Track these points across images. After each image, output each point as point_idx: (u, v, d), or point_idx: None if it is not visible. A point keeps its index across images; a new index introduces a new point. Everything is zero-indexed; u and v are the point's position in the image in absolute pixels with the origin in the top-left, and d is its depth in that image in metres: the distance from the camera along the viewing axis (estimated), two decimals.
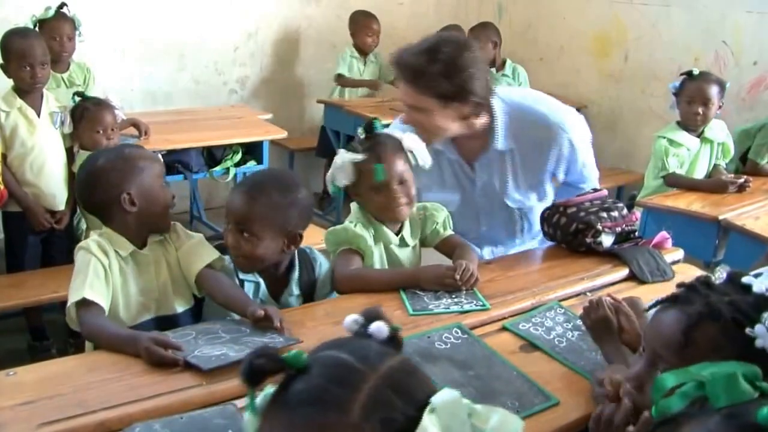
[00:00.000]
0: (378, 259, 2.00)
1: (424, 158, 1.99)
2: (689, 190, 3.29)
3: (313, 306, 1.86)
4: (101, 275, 1.68)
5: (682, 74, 3.40)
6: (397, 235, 2.04)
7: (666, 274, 2.04)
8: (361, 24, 4.95)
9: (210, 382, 1.41)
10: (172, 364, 1.45)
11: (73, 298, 1.63)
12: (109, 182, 1.75)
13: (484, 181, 2.23)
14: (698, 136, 3.39)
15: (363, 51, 5.00)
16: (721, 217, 2.96)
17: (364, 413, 0.79)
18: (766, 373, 0.98)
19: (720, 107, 3.36)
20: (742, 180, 3.25)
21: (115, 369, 1.46)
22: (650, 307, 1.26)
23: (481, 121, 2.09)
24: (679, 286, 1.23)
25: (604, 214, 2.11)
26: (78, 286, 1.65)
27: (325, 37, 5.20)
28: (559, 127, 2.14)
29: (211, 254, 1.82)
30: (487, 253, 2.35)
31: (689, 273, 2.07)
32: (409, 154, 1.97)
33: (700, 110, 3.29)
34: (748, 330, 1.08)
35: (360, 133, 2.01)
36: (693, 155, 3.39)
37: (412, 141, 1.99)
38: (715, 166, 3.44)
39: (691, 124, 3.35)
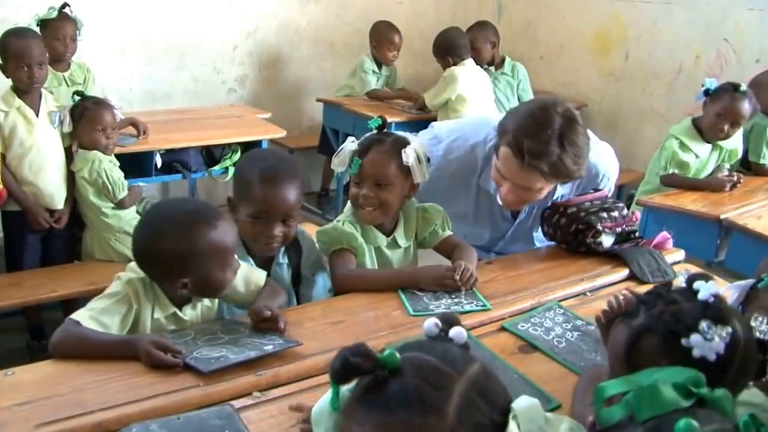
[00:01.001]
0: (368, 259, 1.99)
1: (425, 172, 1.95)
2: (687, 189, 3.27)
3: (311, 306, 1.85)
4: (120, 314, 1.57)
5: (727, 83, 3.28)
6: (388, 235, 2.03)
7: (667, 274, 2.03)
8: (385, 38, 4.78)
9: (207, 383, 1.41)
10: (172, 367, 1.44)
11: (78, 315, 1.54)
12: (167, 267, 1.58)
13: (522, 222, 2.25)
14: (709, 142, 3.34)
15: (380, 63, 4.88)
16: (722, 217, 2.95)
17: (458, 417, 0.81)
18: (711, 380, 0.99)
19: None
20: (735, 178, 3.25)
21: (112, 369, 1.45)
22: (607, 323, 1.32)
23: None
24: (637, 298, 1.24)
25: (605, 215, 2.10)
26: (88, 308, 1.57)
27: (324, 36, 5.19)
28: (605, 177, 2.22)
29: (260, 279, 1.78)
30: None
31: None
32: (413, 163, 1.92)
33: (726, 128, 3.22)
34: (683, 341, 1.08)
35: (372, 122, 2.01)
36: (702, 162, 3.35)
37: (419, 149, 1.94)
38: (718, 166, 3.43)
39: (712, 135, 3.28)
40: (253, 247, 1.85)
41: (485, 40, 4.80)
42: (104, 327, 1.55)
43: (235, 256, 1.68)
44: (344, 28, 5.07)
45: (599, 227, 2.08)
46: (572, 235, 2.12)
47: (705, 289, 1.15)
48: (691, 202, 3.13)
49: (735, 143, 3.38)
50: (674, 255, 2.17)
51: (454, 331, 0.91)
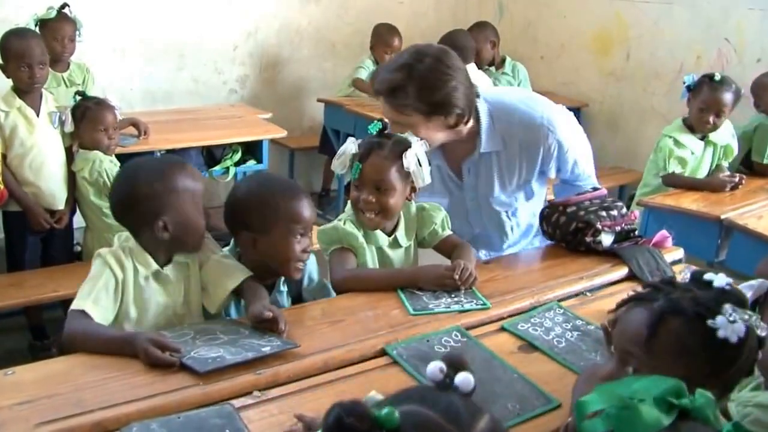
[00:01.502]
0: (369, 259, 1.99)
1: (425, 176, 1.95)
2: (688, 189, 3.28)
3: (311, 306, 1.85)
4: (111, 289, 1.64)
5: (703, 75, 3.32)
6: (390, 235, 2.03)
7: (666, 273, 2.02)
8: (383, 40, 4.85)
9: (207, 382, 1.41)
10: (169, 366, 1.45)
11: (74, 305, 1.61)
12: (145, 207, 1.68)
13: (471, 185, 2.22)
14: (702, 139, 3.37)
15: (380, 63, 4.94)
16: (723, 217, 2.94)
17: None
18: (730, 362, 1.04)
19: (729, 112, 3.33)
20: (736, 179, 3.25)
21: (112, 369, 1.45)
22: (617, 308, 1.29)
23: (469, 126, 2.08)
24: (644, 286, 1.26)
25: (604, 213, 2.10)
26: (83, 295, 1.62)
27: (324, 36, 5.20)
28: (545, 127, 2.12)
29: (241, 274, 1.76)
30: (482, 255, 2.34)
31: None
32: (414, 168, 1.92)
33: (712, 120, 3.26)
34: (709, 322, 1.11)
35: (372, 127, 2.01)
36: (697, 159, 3.37)
37: (420, 151, 1.95)
38: (717, 165, 3.43)
39: (699, 129, 3.32)
40: (282, 271, 1.82)
41: (485, 40, 4.81)
42: (102, 309, 1.61)
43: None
44: (345, 29, 5.08)
45: (599, 226, 2.07)
46: (571, 234, 2.12)
47: (719, 279, 1.19)
48: (691, 202, 3.13)
49: (727, 139, 3.39)
50: (674, 253, 2.17)
51: (460, 378, 0.83)
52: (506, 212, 2.27)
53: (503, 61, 4.90)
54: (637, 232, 2.19)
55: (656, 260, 2.06)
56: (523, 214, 2.29)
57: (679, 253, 2.19)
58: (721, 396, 1.18)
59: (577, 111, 5.03)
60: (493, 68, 4.84)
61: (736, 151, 3.44)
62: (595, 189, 2.23)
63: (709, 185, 3.28)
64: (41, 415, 1.30)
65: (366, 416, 0.74)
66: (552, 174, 2.24)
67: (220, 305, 1.76)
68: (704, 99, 3.25)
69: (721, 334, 1.10)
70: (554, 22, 5.43)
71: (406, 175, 1.94)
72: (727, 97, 3.24)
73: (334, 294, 1.97)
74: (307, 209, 1.79)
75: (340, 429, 0.74)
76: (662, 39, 4.77)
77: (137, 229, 1.72)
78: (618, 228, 2.12)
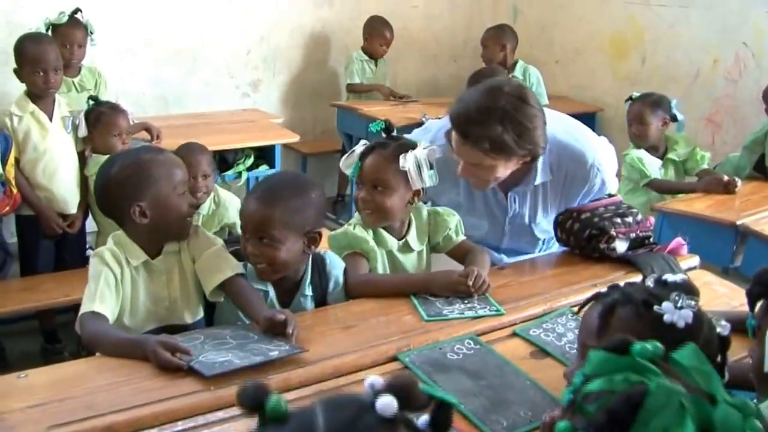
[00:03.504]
0: (380, 264, 1.98)
1: (425, 179, 1.94)
2: (681, 192, 3.36)
3: (324, 311, 1.84)
4: (112, 285, 1.67)
5: (626, 100, 3.61)
6: (400, 239, 2.02)
7: None
8: (376, 31, 4.94)
9: (218, 386, 1.41)
10: (178, 369, 1.45)
11: (83, 309, 1.64)
12: (121, 192, 1.71)
13: (516, 211, 2.22)
14: (661, 158, 3.53)
15: (373, 56, 5.00)
16: (738, 222, 2.92)
17: None
18: (676, 347, 1.05)
19: (666, 123, 3.51)
20: (724, 179, 3.26)
21: (124, 372, 1.46)
22: (580, 308, 1.35)
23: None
24: (609, 286, 1.32)
25: (618, 220, 2.09)
26: (89, 296, 1.65)
27: (338, 39, 5.20)
28: (594, 167, 2.14)
29: (232, 267, 1.75)
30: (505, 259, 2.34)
31: (704, 279, 2.05)
32: (411, 169, 1.91)
33: (634, 129, 3.50)
34: (655, 307, 1.17)
35: (374, 126, 2.00)
36: (657, 175, 3.50)
37: (422, 155, 1.93)
38: (705, 170, 3.50)
39: (637, 143, 3.52)
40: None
41: (495, 43, 4.80)
42: (109, 306, 1.65)
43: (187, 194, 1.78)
44: (358, 32, 5.07)
45: (613, 233, 2.06)
46: (585, 241, 2.10)
47: (673, 277, 1.27)
48: (706, 208, 3.10)
49: (686, 152, 3.53)
50: (689, 261, 2.15)
51: (382, 402, 0.70)
52: (543, 239, 2.30)
53: (515, 64, 4.88)
54: (651, 239, 2.17)
55: (671, 267, 2.04)
56: (554, 241, 2.31)
57: (694, 260, 2.17)
58: None
59: (591, 115, 5.01)
60: (505, 72, 4.83)
61: (707, 155, 3.54)
62: (610, 196, 2.22)
63: (706, 186, 3.32)
64: (53, 418, 1.31)
65: (259, 398, 0.73)
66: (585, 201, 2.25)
67: (222, 286, 1.76)
68: (627, 114, 3.55)
69: (667, 318, 1.15)
70: (569, 25, 5.40)
71: (406, 178, 1.92)
72: (635, 107, 3.51)
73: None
74: (252, 207, 1.74)
75: (238, 398, 0.73)
76: (678, 43, 4.74)
77: (120, 219, 1.75)
78: (633, 235, 2.10)
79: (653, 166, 3.49)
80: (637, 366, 0.89)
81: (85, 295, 1.66)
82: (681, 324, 1.15)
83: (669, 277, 1.28)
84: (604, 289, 1.31)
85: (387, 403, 0.71)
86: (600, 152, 2.19)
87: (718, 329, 1.20)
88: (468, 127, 1.91)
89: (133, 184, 1.70)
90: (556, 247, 2.36)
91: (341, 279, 1.90)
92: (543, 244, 2.35)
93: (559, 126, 2.15)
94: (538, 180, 2.13)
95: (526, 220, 2.23)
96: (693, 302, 1.18)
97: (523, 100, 1.92)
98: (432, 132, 2.25)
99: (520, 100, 1.91)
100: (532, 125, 1.91)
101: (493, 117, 1.88)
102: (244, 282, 1.76)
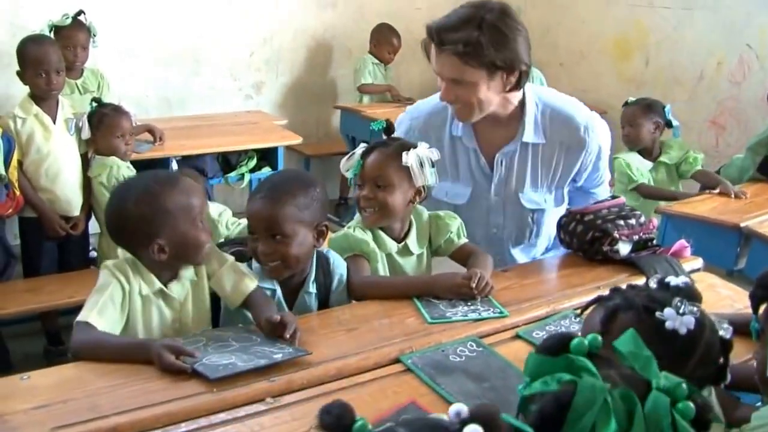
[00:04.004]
0: (380, 266, 1.98)
1: (428, 178, 1.93)
2: (666, 199, 3.37)
3: (327, 313, 1.84)
4: (117, 302, 1.62)
5: (623, 105, 3.66)
6: (400, 242, 2.01)
7: None
8: (385, 39, 4.99)
9: (220, 389, 1.41)
10: (182, 371, 1.45)
11: (80, 316, 1.59)
12: (138, 230, 1.62)
13: (501, 177, 2.18)
14: (653, 161, 3.57)
15: (381, 61, 5.02)
16: (742, 225, 2.92)
17: None
18: (683, 355, 1.10)
19: (659, 127, 3.53)
20: (716, 191, 3.28)
21: (126, 375, 1.45)
22: (582, 311, 1.35)
23: (517, 99, 2.06)
24: (611, 289, 1.31)
25: (621, 222, 2.08)
26: (90, 306, 1.60)
27: (341, 42, 5.20)
28: (588, 129, 2.13)
29: (252, 279, 1.74)
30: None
31: (708, 281, 2.04)
32: (413, 165, 1.90)
33: (626, 132, 3.56)
34: (657, 313, 1.16)
35: (375, 125, 2.00)
36: (647, 179, 3.54)
37: (424, 153, 1.93)
38: (701, 171, 3.53)
39: (630, 146, 3.57)
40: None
41: None
42: (109, 320, 1.59)
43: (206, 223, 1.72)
44: (361, 35, 5.08)
45: (616, 235, 2.05)
46: (588, 243, 2.10)
47: (676, 280, 1.27)
48: (710, 210, 3.10)
49: (679, 154, 3.56)
50: (692, 263, 2.14)
51: (469, 431, 0.72)
52: (531, 215, 2.24)
53: None
54: (655, 241, 2.17)
55: (674, 269, 2.03)
56: (546, 221, 2.27)
57: (698, 262, 2.16)
58: None
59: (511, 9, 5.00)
60: None
61: (699, 157, 3.56)
62: (613, 197, 2.21)
63: (681, 196, 3.38)
64: (56, 420, 1.30)
65: (346, 418, 0.75)
66: (580, 182, 2.24)
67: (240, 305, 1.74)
68: (621, 118, 3.61)
69: (669, 325, 1.15)
70: (573, 27, 5.40)
71: (408, 175, 1.91)
72: (629, 111, 3.57)
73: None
74: (258, 206, 1.74)
75: (320, 419, 0.75)
76: (682, 45, 4.74)
77: (134, 251, 1.68)
78: (636, 237, 2.10)
79: (643, 169, 3.51)
80: (572, 364, 0.91)
81: (86, 303, 1.62)
82: (683, 330, 1.15)
83: (672, 279, 1.27)
84: (606, 292, 1.31)
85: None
86: (594, 119, 2.19)
87: (721, 332, 1.20)
88: (444, 33, 1.92)
89: (152, 221, 1.62)
90: (559, 249, 2.36)
91: (344, 278, 1.91)
92: (529, 239, 2.29)
93: (550, 93, 2.18)
94: (528, 137, 2.10)
95: (513, 187, 2.18)
96: (695, 308, 1.18)
97: (505, 13, 1.93)
98: (416, 104, 2.26)
99: (501, 13, 1.92)
100: (511, 35, 1.91)
101: (470, 23, 1.89)
102: (260, 291, 1.75)
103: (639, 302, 1.21)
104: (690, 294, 1.23)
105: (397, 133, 2.13)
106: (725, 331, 1.21)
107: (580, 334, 1.34)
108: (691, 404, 0.90)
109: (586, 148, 2.14)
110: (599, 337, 0.94)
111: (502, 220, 2.25)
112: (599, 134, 2.17)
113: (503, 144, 2.13)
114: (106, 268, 1.66)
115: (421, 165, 1.91)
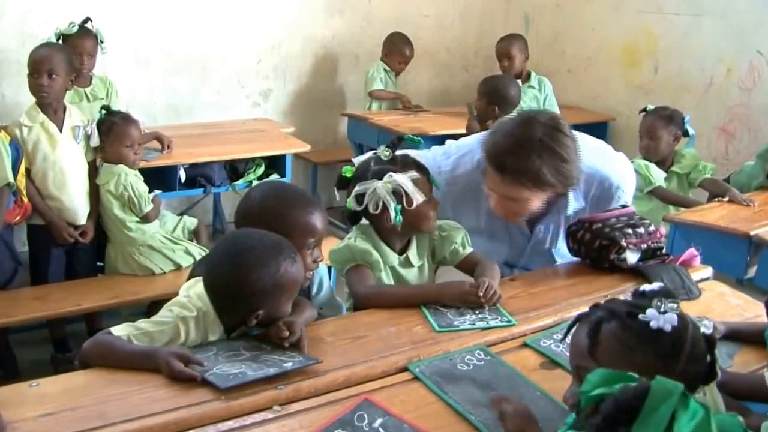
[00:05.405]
0: (384, 276, 1.98)
1: (415, 196, 1.92)
2: (682, 206, 3.37)
3: (333, 321, 1.84)
4: (162, 341, 1.56)
5: (639, 112, 3.64)
6: (401, 254, 2.02)
7: (691, 292, 1.99)
8: (397, 48, 4.97)
9: (228, 396, 1.41)
10: (191, 379, 1.45)
11: (115, 328, 1.55)
12: (246, 300, 1.58)
13: (539, 238, 2.23)
14: (666, 170, 3.54)
15: (392, 70, 5.02)
16: (752, 233, 2.90)
17: None
18: (673, 353, 1.13)
19: (677, 138, 3.53)
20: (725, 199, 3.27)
21: (134, 382, 1.46)
22: (565, 335, 1.36)
23: None
24: (591, 306, 1.32)
25: (630, 231, 2.08)
26: (135, 325, 1.56)
27: (349, 49, 5.21)
28: (620, 189, 2.18)
29: (310, 308, 1.77)
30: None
31: (718, 290, 2.03)
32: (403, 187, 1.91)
33: (645, 144, 3.54)
34: (640, 316, 1.19)
35: (384, 151, 1.99)
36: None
37: (403, 182, 1.92)
38: (709, 179, 3.51)
39: (649, 156, 3.54)
40: None
41: (503, 55, 4.77)
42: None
43: None
44: (369, 42, 5.09)
45: (623, 243, 2.05)
46: (596, 251, 2.09)
47: (650, 287, 1.29)
48: (719, 218, 3.08)
49: (691, 164, 3.53)
50: (701, 272, 2.14)
51: None
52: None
53: (528, 75, 4.86)
54: (664, 250, 2.16)
55: (681, 278, 2.03)
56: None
57: (707, 271, 2.15)
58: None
59: (603, 125, 5.00)
60: (519, 81, 4.81)
61: (709, 165, 3.55)
62: (622, 206, 2.20)
63: (694, 203, 3.38)
64: (65, 427, 1.31)
65: None
66: None
67: None
68: (639, 128, 3.58)
69: (653, 325, 1.17)
70: (582, 34, 5.38)
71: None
72: (648, 120, 3.55)
73: (344, 309, 2.00)
74: (320, 221, 1.79)
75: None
76: (691, 52, 4.71)
77: (225, 311, 1.62)
78: (644, 246, 2.09)
79: (658, 177, 3.50)
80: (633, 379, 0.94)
81: (136, 323, 1.58)
82: (668, 328, 1.17)
83: (646, 287, 1.29)
84: (585, 310, 1.33)
85: None
86: (621, 172, 2.22)
87: (702, 329, 1.22)
88: (504, 160, 1.91)
89: (262, 294, 1.58)
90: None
91: (325, 283, 1.95)
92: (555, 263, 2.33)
93: (586, 151, 2.12)
94: (570, 209, 2.14)
95: (547, 245, 2.24)
96: (675, 305, 1.20)
97: (557, 128, 1.91)
98: (453, 158, 2.23)
99: (555, 130, 1.90)
100: (569, 157, 1.91)
101: (528, 148, 1.87)
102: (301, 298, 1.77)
103: (621, 310, 1.23)
104: (667, 295, 1.25)
105: (442, 162, 2.18)
106: (706, 328, 1.22)
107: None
108: None
109: (615, 202, 2.19)
110: None
111: (530, 263, 2.30)
112: (629, 191, 2.23)
113: (544, 214, 2.15)
114: (172, 312, 1.60)
115: (386, 200, 1.92)
